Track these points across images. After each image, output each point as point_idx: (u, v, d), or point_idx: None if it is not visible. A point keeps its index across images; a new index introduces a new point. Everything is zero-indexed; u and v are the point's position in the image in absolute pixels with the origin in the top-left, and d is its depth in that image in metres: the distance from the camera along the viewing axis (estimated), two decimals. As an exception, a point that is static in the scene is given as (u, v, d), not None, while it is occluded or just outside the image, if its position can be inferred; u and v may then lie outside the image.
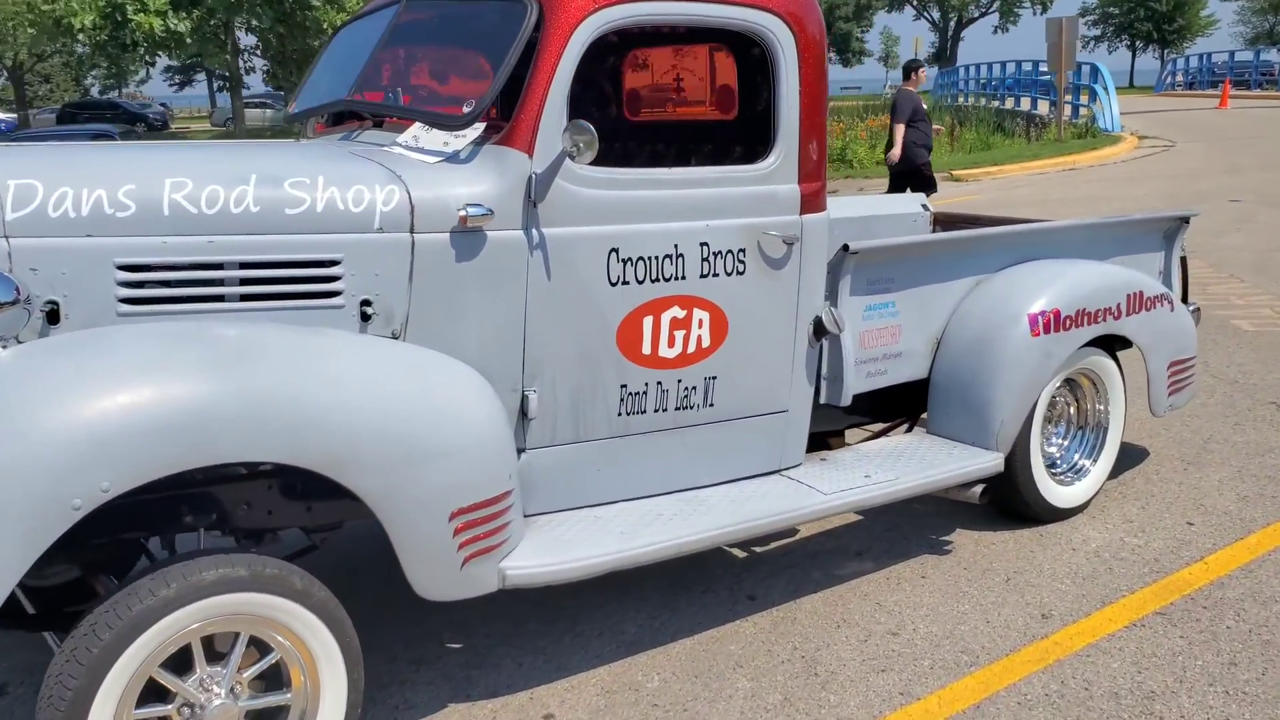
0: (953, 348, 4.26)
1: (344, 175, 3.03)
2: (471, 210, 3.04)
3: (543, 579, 3.11)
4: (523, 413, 3.25)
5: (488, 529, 2.98)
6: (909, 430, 4.52)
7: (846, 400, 3.97)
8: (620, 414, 3.42)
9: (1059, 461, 4.64)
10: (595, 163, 3.25)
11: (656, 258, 3.36)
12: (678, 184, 3.40)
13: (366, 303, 3.02)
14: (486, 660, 3.54)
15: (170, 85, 77.16)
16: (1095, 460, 4.66)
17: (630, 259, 3.32)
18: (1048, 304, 4.23)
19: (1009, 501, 4.45)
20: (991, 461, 4.12)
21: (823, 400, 3.97)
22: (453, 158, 3.18)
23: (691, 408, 3.55)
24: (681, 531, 3.35)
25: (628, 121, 4.49)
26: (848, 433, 4.50)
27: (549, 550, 3.18)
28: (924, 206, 6.00)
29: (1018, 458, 4.30)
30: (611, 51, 4.38)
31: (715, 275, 3.48)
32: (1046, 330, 4.21)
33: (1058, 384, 4.48)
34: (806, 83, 3.59)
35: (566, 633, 3.70)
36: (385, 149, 3.29)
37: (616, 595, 3.93)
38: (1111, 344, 4.56)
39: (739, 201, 3.50)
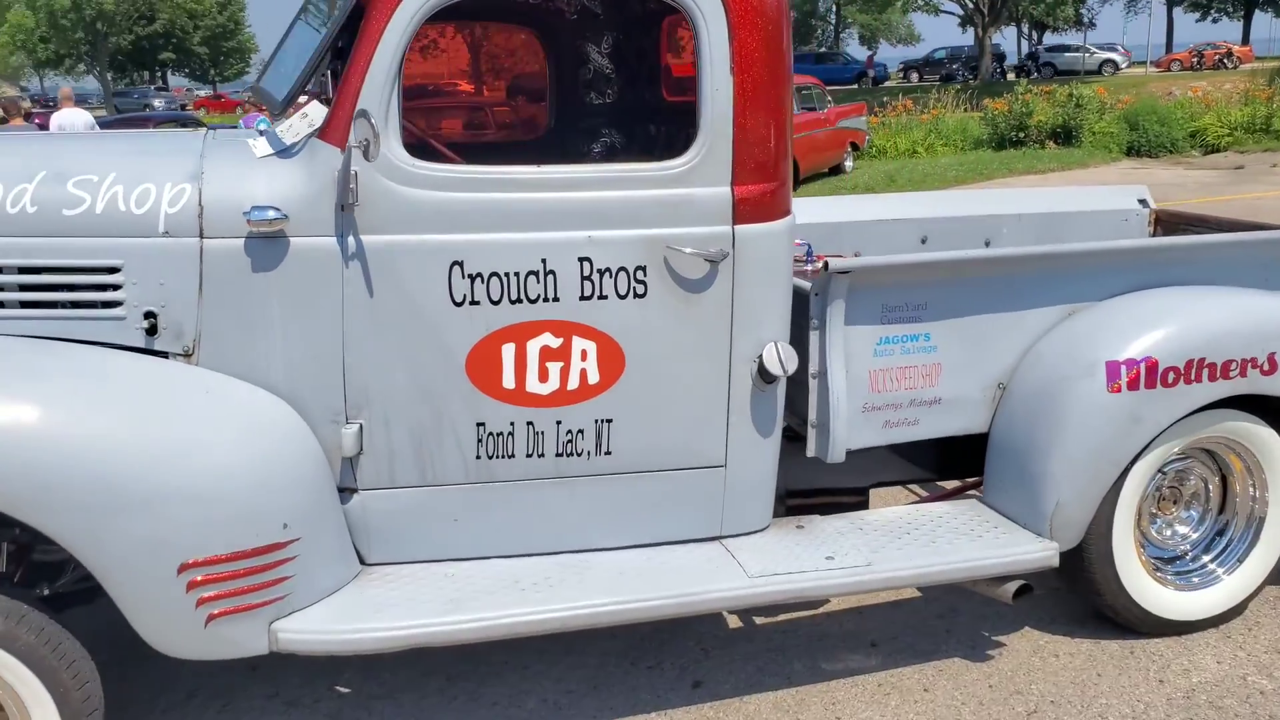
0: (1015, 398, 3.28)
1: (137, 173, 2.72)
2: (255, 214, 2.62)
3: (323, 648, 2.67)
4: (353, 448, 2.80)
5: (245, 584, 2.58)
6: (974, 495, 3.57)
7: (836, 456, 3.14)
8: (480, 457, 2.87)
9: (1184, 558, 3.47)
10: (435, 159, 2.73)
11: (517, 274, 2.77)
12: (546, 185, 2.78)
13: (151, 315, 2.69)
14: (365, 712, 3.14)
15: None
16: (1240, 561, 3.44)
17: (480, 275, 2.75)
18: (1141, 350, 3.13)
19: (1093, 602, 3.39)
20: (1036, 553, 3.12)
21: (810, 453, 3.18)
22: (285, 152, 2.77)
23: (579, 455, 2.92)
24: (527, 609, 2.76)
25: (490, 110, 3.83)
26: (895, 493, 3.63)
27: (349, 614, 2.72)
28: (1143, 202, 4.80)
29: (1093, 549, 3.24)
30: (466, 26, 3.74)
31: (602, 298, 2.82)
32: (1134, 386, 3.11)
33: (1173, 456, 3.34)
34: (744, 58, 2.81)
35: (462, 694, 3.22)
36: (239, 141, 2.94)
37: (555, 655, 3.38)
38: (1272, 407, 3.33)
39: (636, 208, 2.81)
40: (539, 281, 2.78)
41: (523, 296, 2.78)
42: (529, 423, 2.86)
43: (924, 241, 4.62)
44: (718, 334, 2.91)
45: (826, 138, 16.56)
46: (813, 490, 3.46)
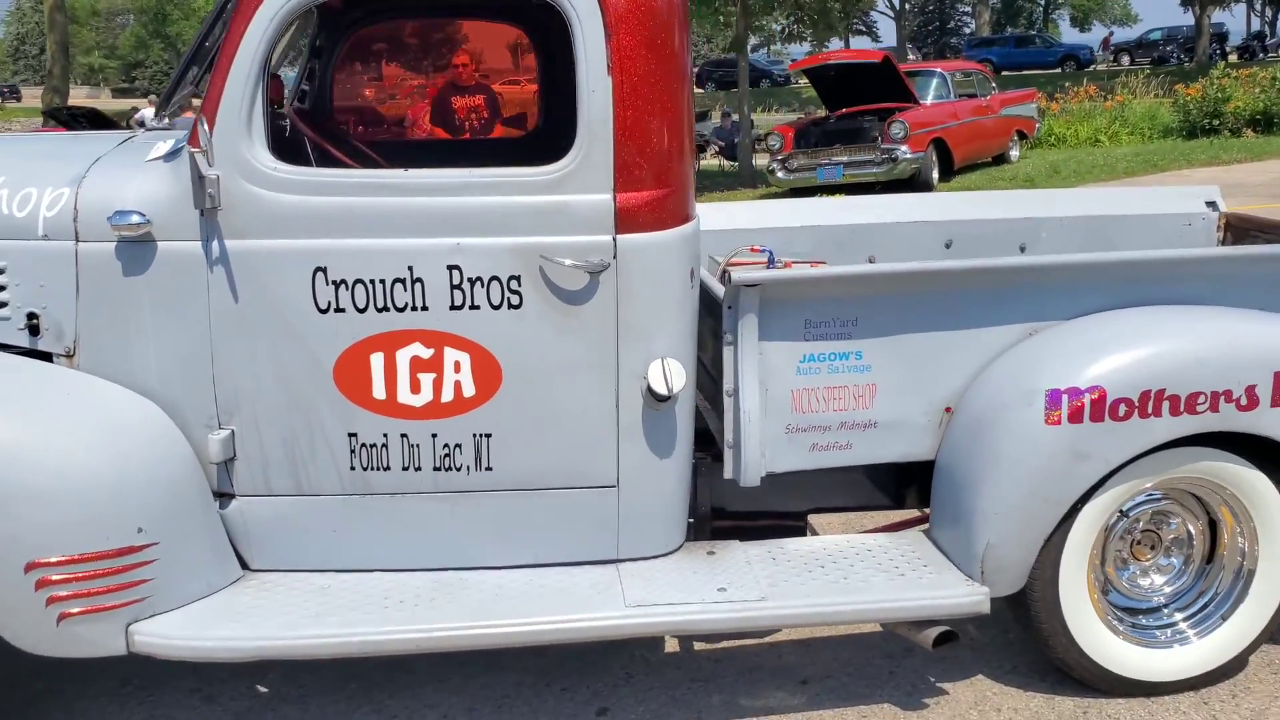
0: (958, 424, 2.99)
1: (24, 175, 2.77)
2: (117, 219, 2.63)
3: (175, 653, 2.67)
4: (223, 454, 2.78)
5: (97, 586, 2.60)
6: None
7: (750, 479, 2.94)
8: (354, 468, 2.81)
9: (1157, 611, 3.09)
10: (298, 162, 2.68)
11: (383, 282, 2.69)
12: (411, 190, 2.68)
13: (34, 316, 2.75)
14: (271, 713, 3.14)
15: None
16: (1224, 618, 3.04)
17: (344, 281, 2.69)
18: (1088, 378, 2.79)
19: (1045, 655, 3.07)
20: (962, 598, 2.83)
21: (726, 475, 2.99)
22: (171, 155, 2.78)
23: (458, 470, 2.82)
24: (384, 628, 2.69)
25: (361, 113, 3.68)
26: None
27: (207, 620, 2.71)
28: (1211, 205, 4.34)
29: (1038, 596, 2.93)
30: (342, 27, 3.58)
31: (474, 308, 2.71)
32: (1076, 418, 2.78)
33: (1143, 497, 2.98)
34: (623, 59, 2.65)
35: (369, 704, 3.18)
36: (150, 144, 2.96)
37: (476, 669, 3.30)
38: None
39: (508, 215, 2.69)
40: (406, 289, 2.69)
41: (389, 304, 2.69)
42: (403, 435, 2.78)
43: (948, 246, 4.30)
44: (602, 349, 2.76)
45: (989, 125, 15.84)
46: (748, 513, 3.26)
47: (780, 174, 14.77)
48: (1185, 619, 3.05)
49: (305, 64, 3.83)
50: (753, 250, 3.53)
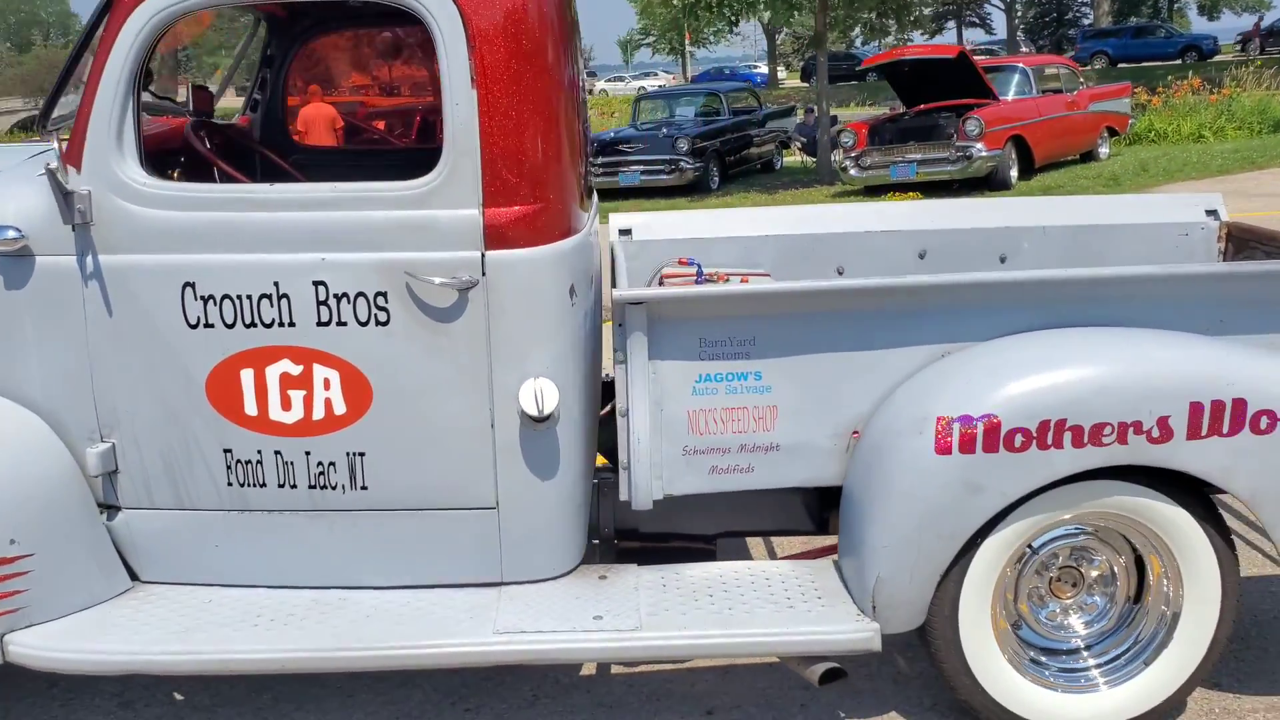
0: (860, 450, 2.84)
1: (-80, 190, 2.82)
2: None
3: (46, 664, 2.69)
4: (103, 466, 2.80)
5: (-33, 596, 2.63)
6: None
7: (642, 502, 2.85)
8: (231, 484, 2.79)
9: (1074, 654, 2.90)
10: (167, 176, 2.67)
11: (249, 297, 2.66)
12: (277, 205, 2.65)
13: None
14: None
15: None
16: (1146, 663, 2.83)
17: (212, 297, 2.67)
18: (982, 406, 2.62)
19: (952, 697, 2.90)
20: (849, 634, 2.69)
21: (621, 497, 2.90)
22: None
23: (333, 489, 2.78)
24: (247, 647, 2.67)
25: (236, 127, 3.60)
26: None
27: (81, 633, 2.73)
28: (1212, 213, 4.09)
29: (937, 634, 2.77)
30: (292, 37, 3.52)
31: (341, 325, 2.67)
32: (968, 448, 2.61)
33: (1058, 531, 2.80)
34: (489, 72, 2.57)
35: (274, 716, 3.17)
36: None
37: (387, 686, 3.27)
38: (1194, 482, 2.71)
39: (374, 230, 2.64)
40: (273, 305, 2.66)
41: (256, 320, 2.67)
42: (276, 452, 2.76)
43: (922, 257, 4.12)
44: (474, 367, 2.69)
45: (1075, 122, 15.26)
46: (660, 535, 3.16)
47: (853, 171, 14.47)
48: (1100, 664, 2.85)
49: (257, 74, 3.85)
50: (681, 262, 3.43)
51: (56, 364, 2.75)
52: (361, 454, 2.76)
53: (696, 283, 3.38)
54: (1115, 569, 2.87)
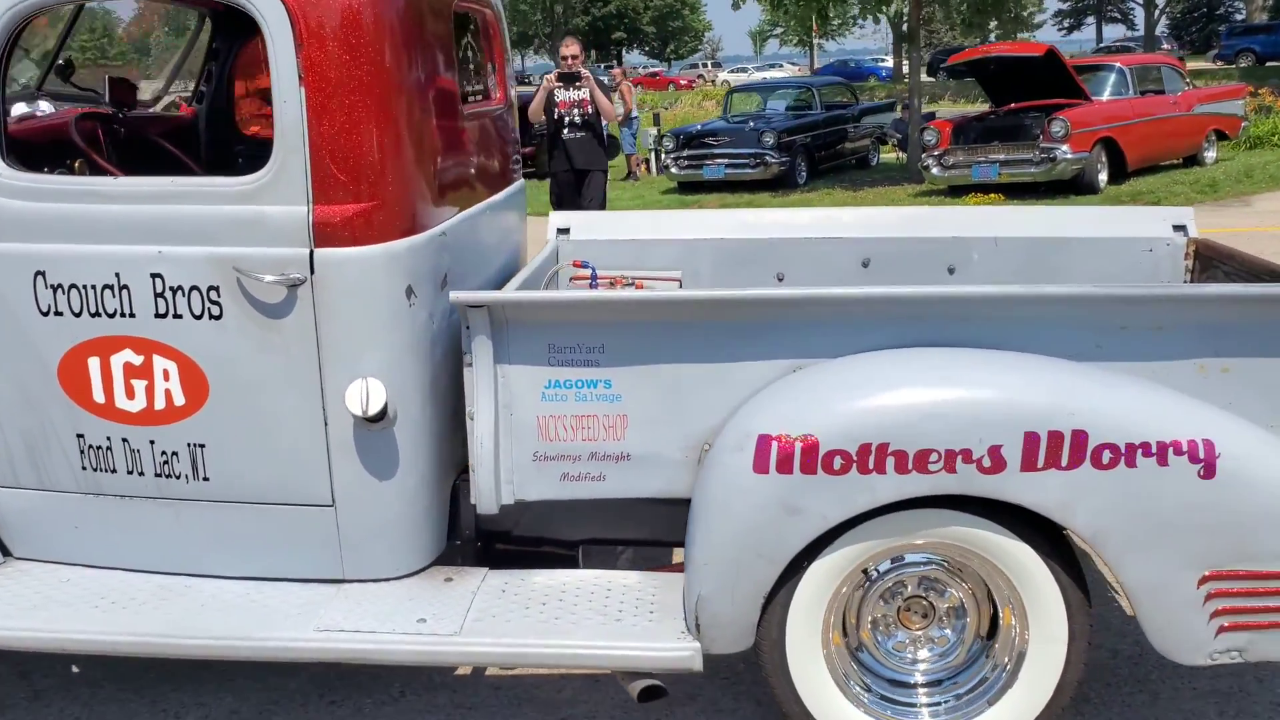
0: (705, 464, 2.77)
1: None
2: None
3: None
4: None
5: None
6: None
7: (487, 506, 2.82)
8: (85, 468, 2.87)
9: (919, 689, 2.77)
10: (23, 167, 2.75)
11: (94, 287, 2.73)
12: (118, 198, 2.71)
13: None
14: (42, 704, 3.26)
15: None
16: (990, 703, 2.69)
17: (61, 285, 2.74)
18: (802, 426, 2.52)
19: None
20: (669, 652, 2.63)
21: (471, 500, 2.89)
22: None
23: (177, 478, 2.83)
24: (80, 626, 2.74)
25: (91, 116, 3.59)
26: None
27: (-63, 604, 2.83)
28: (1180, 229, 3.88)
29: (766, 659, 2.68)
30: (235, 31, 3.52)
31: (177, 317, 2.71)
32: (785, 468, 2.51)
33: (899, 561, 2.68)
34: (317, 70, 2.58)
35: (138, 700, 3.24)
36: None
37: (264, 672, 3.31)
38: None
39: (205, 225, 2.67)
40: (114, 296, 2.72)
41: (101, 310, 2.73)
42: (124, 439, 2.82)
43: (865, 265, 4.00)
44: (305, 365, 2.71)
45: (1177, 124, 14.58)
46: (533, 539, 3.14)
47: (935, 170, 14.09)
48: (941, 701, 2.72)
49: (204, 66, 3.94)
50: (575, 264, 3.39)
51: (-74, 345, 2.86)
52: (202, 445, 2.80)
53: (591, 286, 3.34)
54: (966, 602, 2.74)
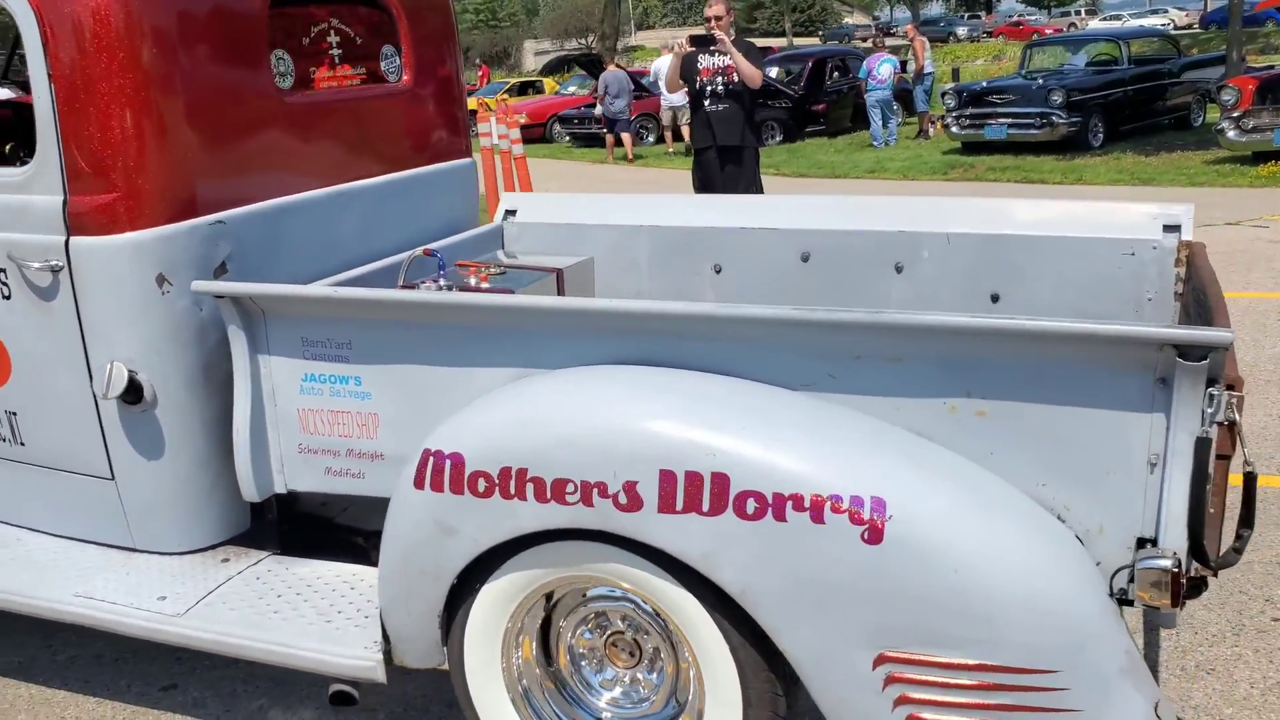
0: (414, 472, 2.68)
1: None
2: None
3: None
4: None
5: None
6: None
7: (248, 494, 2.89)
8: (-62, 431, 3.20)
9: (615, 725, 2.55)
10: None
11: (-70, 266, 3.01)
12: (-67, 186, 2.96)
13: None
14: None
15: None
16: (673, 760, 2.44)
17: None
18: (454, 441, 2.38)
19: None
20: (355, 659, 2.59)
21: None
22: None
23: (4, 440, 3.10)
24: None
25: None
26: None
27: None
28: (1172, 229, 3.35)
29: (455, 680, 2.58)
30: None
31: (-17, 296, 2.95)
32: (438, 485, 2.38)
33: (588, 593, 2.49)
34: (63, 68, 2.70)
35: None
36: None
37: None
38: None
39: (-4, 211, 2.87)
40: (-60, 274, 2.99)
41: (-66, 286, 3.01)
42: (-36, 405, 3.11)
43: (805, 260, 3.68)
44: (73, 346, 2.87)
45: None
46: (341, 526, 3.17)
47: (1231, 134, 12.43)
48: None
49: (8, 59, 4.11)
50: (425, 253, 3.33)
51: None
52: (14, 413, 3.04)
53: (438, 273, 3.28)
54: (661, 648, 2.49)
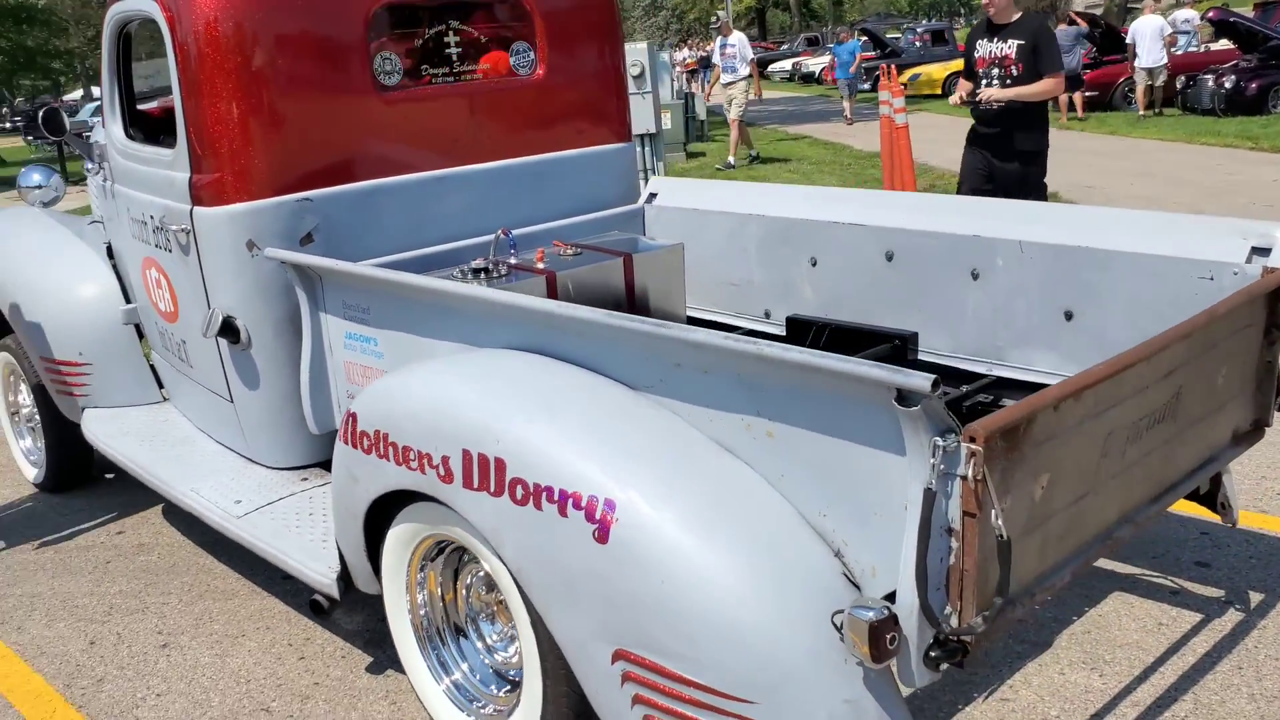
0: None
1: None
2: None
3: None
4: None
5: None
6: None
7: (312, 428, 3.48)
8: (166, 349, 4.10)
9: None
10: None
11: (142, 221, 3.88)
12: (131, 157, 3.81)
13: None
14: None
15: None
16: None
17: (135, 219, 3.95)
18: (360, 404, 2.76)
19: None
20: (319, 572, 3.06)
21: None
22: None
23: (183, 360, 3.93)
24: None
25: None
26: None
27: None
28: (1261, 252, 3.01)
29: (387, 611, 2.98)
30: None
31: (160, 246, 3.76)
32: (346, 438, 2.78)
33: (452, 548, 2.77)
34: (187, 68, 3.37)
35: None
36: None
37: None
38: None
39: (159, 182, 3.64)
40: (145, 227, 3.84)
41: (146, 239, 3.87)
42: (171, 332, 3.97)
43: (890, 259, 3.63)
44: (200, 292, 3.58)
45: None
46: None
47: None
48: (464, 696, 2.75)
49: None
50: (503, 233, 3.65)
51: None
52: (184, 342, 3.86)
53: (509, 251, 3.61)
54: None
